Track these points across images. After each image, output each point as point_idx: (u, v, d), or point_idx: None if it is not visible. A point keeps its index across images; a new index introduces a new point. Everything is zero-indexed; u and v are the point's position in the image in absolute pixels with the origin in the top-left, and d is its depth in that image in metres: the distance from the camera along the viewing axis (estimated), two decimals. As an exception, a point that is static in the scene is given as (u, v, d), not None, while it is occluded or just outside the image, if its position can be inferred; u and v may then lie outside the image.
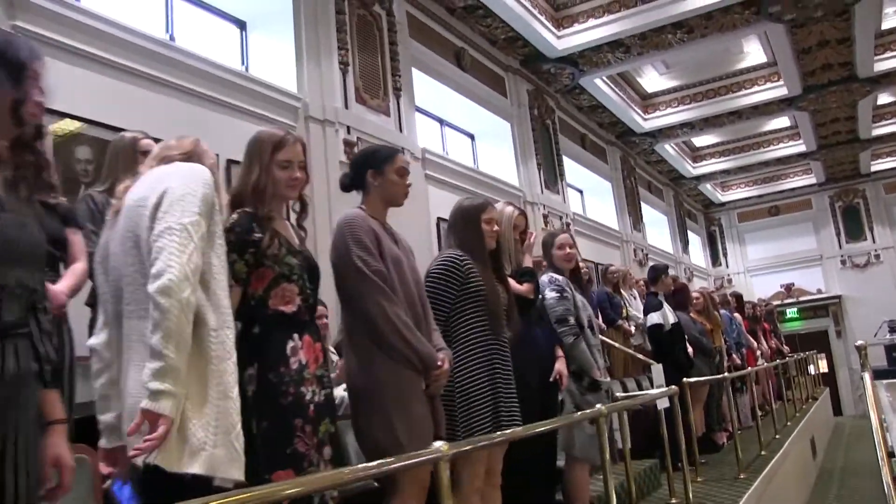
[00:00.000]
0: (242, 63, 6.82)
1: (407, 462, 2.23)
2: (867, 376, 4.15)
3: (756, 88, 13.49)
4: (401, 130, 7.76)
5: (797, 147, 17.09)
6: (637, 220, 14.78)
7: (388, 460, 2.20)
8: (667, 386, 6.80)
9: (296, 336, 2.64)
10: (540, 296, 4.34)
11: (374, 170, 3.14)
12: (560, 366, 4.04)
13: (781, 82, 13.12)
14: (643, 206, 15.69)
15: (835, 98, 13.70)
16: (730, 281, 20.87)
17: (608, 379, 4.36)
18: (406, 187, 3.20)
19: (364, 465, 2.43)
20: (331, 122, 6.82)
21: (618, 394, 4.99)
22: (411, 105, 8.20)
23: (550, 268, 4.53)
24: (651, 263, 14.65)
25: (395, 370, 2.92)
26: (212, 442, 2.10)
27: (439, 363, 3.01)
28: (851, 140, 16.75)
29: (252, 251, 2.60)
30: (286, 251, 2.69)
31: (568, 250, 4.51)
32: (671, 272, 9.10)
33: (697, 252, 20.66)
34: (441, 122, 10.03)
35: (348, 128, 6.97)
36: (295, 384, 2.57)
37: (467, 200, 3.76)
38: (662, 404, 5.38)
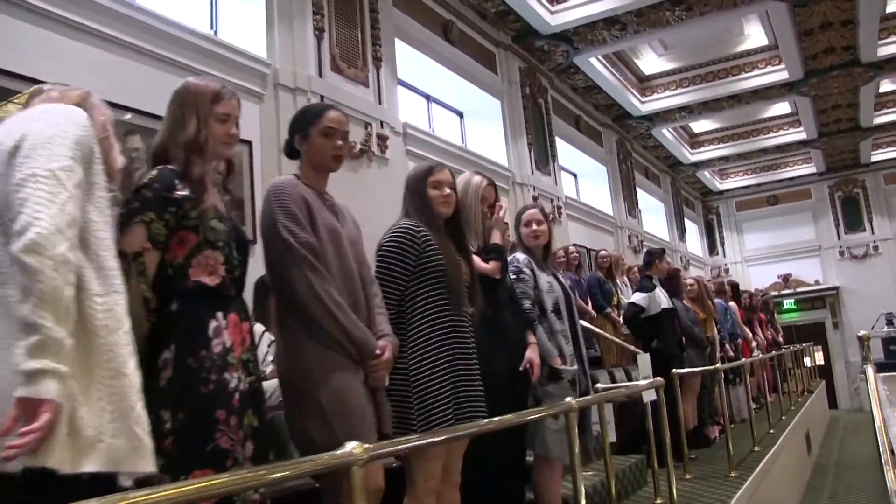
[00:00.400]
0: (211, 27, 6.41)
1: (317, 466, 1.86)
2: (870, 370, 3.79)
3: (756, 72, 13.06)
4: (380, 102, 7.36)
5: (797, 134, 16.70)
6: (632, 206, 14.40)
7: (300, 461, 1.84)
8: (655, 376, 6.56)
9: (220, 314, 2.32)
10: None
11: (299, 134, 2.87)
12: (532, 354, 3.70)
13: (782, 66, 12.71)
14: (639, 191, 15.31)
15: (837, 83, 13.30)
16: (727, 270, 20.54)
17: (574, 367, 3.96)
18: (336, 149, 2.84)
19: (276, 464, 2.05)
20: (302, 91, 6.41)
21: (598, 385, 4.61)
22: (393, 77, 7.81)
23: (519, 246, 4.17)
24: (646, 251, 14.41)
25: (327, 357, 2.58)
26: (109, 431, 1.74)
27: (378, 351, 2.66)
28: (852, 128, 16.37)
29: (173, 210, 2.29)
30: (213, 215, 2.37)
31: (535, 227, 4.14)
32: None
33: (694, 240, 20.31)
34: (428, 97, 9.63)
35: (322, 97, 6.57)
36: (218, 370, 2.26)
37: (414, 168, 3.41)
38: (649, 396, 5.03)
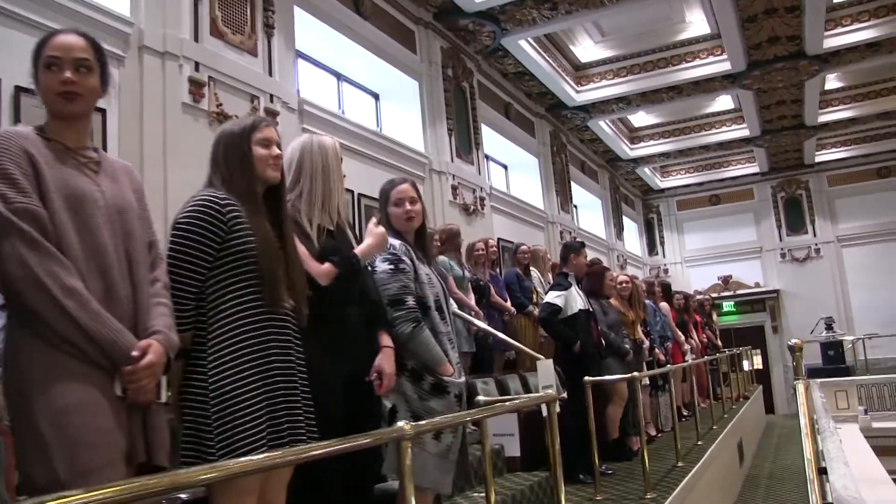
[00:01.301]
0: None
1: None
2: (800, 387, 3.09)
3: (698, 62, 12.48)
4: (270, 74, 6.53)
5: (741, 131, 16.27)
6: (566, 201, 13.72)
7: None
8: (567, 384, 5.82)
9: None
10: (370, 266, 3.20)
11: (32, 77, 2.18)
12: (383, 362, 2.88)
13: (725, 56, 12.15)
14: (574, 186, 14.69)
15: (781, 76, 12.78)
16: (666, 271, 20.14)
17: (462, 379, 3.20)
18: (61, 84, 2.08)
19: None
20: (173, 56, 5.64)
21: (480, 398, 3.82)
22: (289, 48, 7.02)
23: (388, 229, 3.36)
24: (563, 244, 13.77)
25: (53, 362, 1.91)
26: None
27: (135, 353, 1.98)
28: (797, 126, 16.00)
29: None
30: None
31: (408, 207, 3.35)
32: (604, 260, 8.16)
33: (633, 239, 19.86)
34: (338, 76, 8.78)
35: (197, 64, 5.77)
36: None
37: (230, 122, 2.65)
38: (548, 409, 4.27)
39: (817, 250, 19.31)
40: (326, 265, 2.80)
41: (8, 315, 2.01)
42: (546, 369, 4.51)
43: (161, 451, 2.09)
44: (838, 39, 11.90)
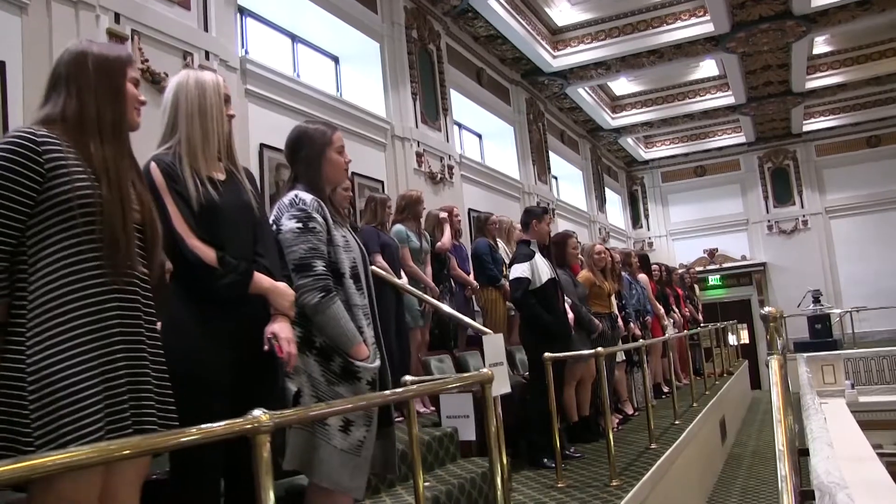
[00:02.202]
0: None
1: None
2: (774, 363, 2.64)
3: (679, 24, 11.95)
4: (206, 30, 6.00)
5: (726, 99, 15.79)
6: (543, 171, 13.20)
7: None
8: (532, 360, 5.38)
9: None
10: (274, 225, 2.78)
11: None
12: (279, 328, 2.42)
13: (708, 17, 11.62)
14: (553, 156, 14.18)
15: (766, 38, 12.26)
16: (650, 244, 19.77)
17: (376, 363, 2.71)
18: None
19: None
20: (88, 5, 5.06)
21: (407, 377, 3.33)
22: (229, 3, 6.49)
23: (302, 182, 2.88)
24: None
25: None
26: None
27: None
28: (784, 93, 15.51)
29: None
30: None
31: (340, 157, 2.97)
32: (586, 233, 7.62)
33: (616, 212, 19.45)
34: (293, 38, 8.24)
35: (117, 15, 5.22)
36: None
37: (97, 45, 2.14)
38: (499, 390, 3.81)
39: (805, 222, 18.93)
40: (211, 255, 2.36)
41: None
42: (494, 345, 4.06)
43: None
44: (826, -3, 11.38)
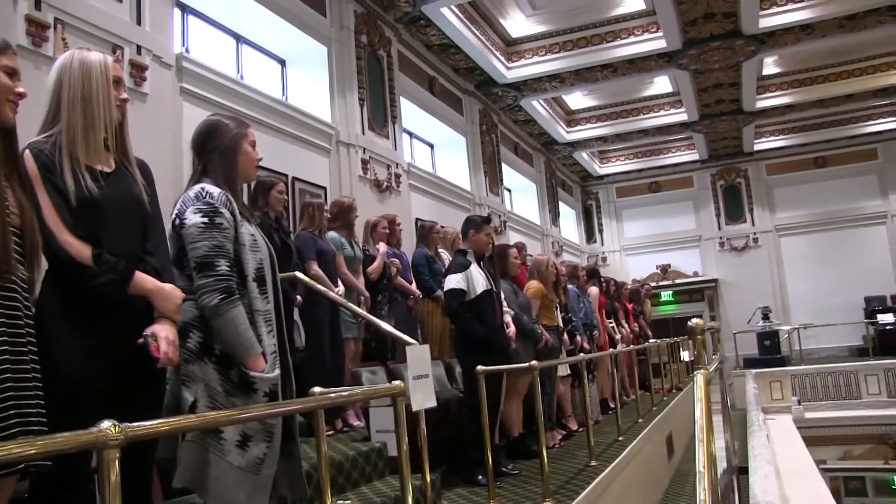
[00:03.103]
0: None
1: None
2: (699, 379, 2.51)
3: (633, 39, 11.98)
4: (139, 23, 5.77)
5: (679, 115, 15.88)
6: (496, 183, 13.09)
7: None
8: (466, 374, 5.21)
9: None
10: (177, 219, 2.58)
11: None
12: (160, 328, 2.24)
13: (660, 33, 11.67)
14: (507, 169, 14.10)
15: (717, 56, 12.37)
16: (604, 259, 19.81)
17: (275, 373, 2.51)
18: None
19: None
20: (13, -4, 4.80)
21: (316, 389, 3.14)
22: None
23: (211, 175, 2.68)
24: (513, 234, 13.18)
25: None
26: None
27: None
28: (735, 111, 15.70)
29: None
30: None
31: (253, 151, 2.79)
32: (538, 246, 7.48)
33: (570, 226, 19.42)
34: (238, 38, 8.03)
35: (38, 1, 4.96)
36: None
37: None
38: (423, 404, 3.63)
39: (755, 239, 19.15)
40: (85, 252, 2.17)
41: None
42: (418, 356, 3.87)
43: None
44: (774, 19, 11.58)
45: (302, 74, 8.62)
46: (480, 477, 5.05)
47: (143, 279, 2.25)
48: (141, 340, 2.18)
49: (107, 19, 5.45)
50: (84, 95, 2.26)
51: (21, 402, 1.82)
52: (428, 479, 3.54)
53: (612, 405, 8.84)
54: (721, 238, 19.44)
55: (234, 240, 2.55)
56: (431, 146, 12.27)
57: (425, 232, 7.32)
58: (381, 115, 9.21)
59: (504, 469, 5.33)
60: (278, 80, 8.59)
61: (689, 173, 19.89)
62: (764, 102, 15.60)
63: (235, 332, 2.43)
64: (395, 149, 9.45)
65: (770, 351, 15.31)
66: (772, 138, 18.65)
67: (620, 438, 7.01)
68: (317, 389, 3.20)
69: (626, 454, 6.45)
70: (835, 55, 14.37)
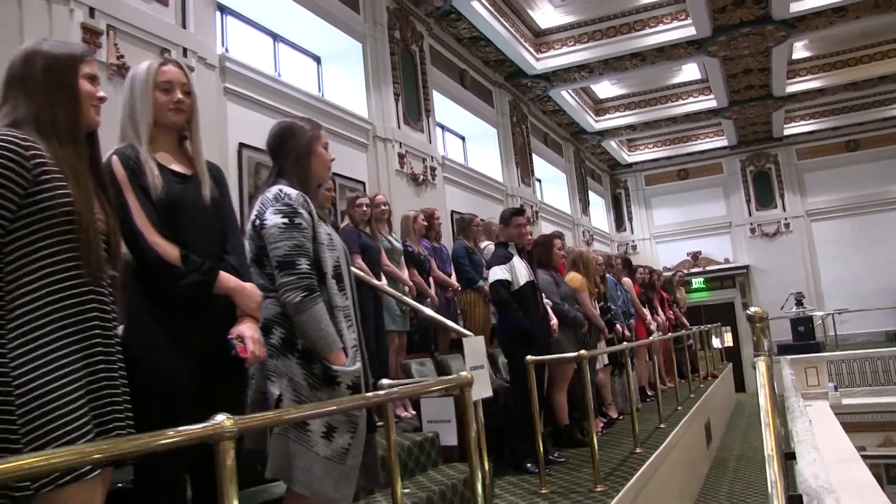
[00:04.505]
0: None
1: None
2: (761, 365, 2.57)
3: (662, 27, 11.95)
4: (185, 26, 5.90)
5: (708, 102, 15.80)
6: (527, 174, 13.15)
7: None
8: (513, 363, 5.29)
9: None
10: (257, 219, 2.70)
11: None
12: (245, 328, 2.34)
13: (689, 21, 11.62)
14: (537, 159, 14.13)
15: (747, 43, 12.30)
16: (634, 247, 19.77)
17: (356, 366, 2.61)
18: None
19: None
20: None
21: (383, 381, 3.24)
22: (208, 0, 6.34)
23: (286, 177, 2.78)
24: (544, 224, 13.23)
25: None
26: None
27: None
28: (764, 96, 15.56)
29: None
30: None
31: (326, 153, 2.90)
32: (569, 236, 7.54)
33: (600, 215, 19.42)
34: (275, 37, 8.14)
35: (91, 10, 5.11)
36: None
37: (48, 43, 2.08)
38: (480, 393, 3.73)
39: (787, 225, 18.99)
40: (173, 252, 2.26)
41: None
42: (475, 347, 3.97)
43: None
44: (805, 3, 11.45)
45: (338, 71, 8.72)
46: (529, 465, 5.15)
47: (227, 278, 2.34)
48: (233, 351, 2.28)
49: (154, 23, 5.60)
50: (132, 109, 2.37)
51: (115, 399, 1.91)
52: (486, 466, 3.63)
53: (649, 393, 8.91)
54: (752, 224, 19.30)
55: (312, 239, 2.65)
56: (463, 138, 12.34)
57: (465, 224, 7.41)
58: (415, 110, 9.29)
59: (550, 457, 5.41)
60: (314, 78, 8.69)
61: (718, 160, 19.75)
62: (794, 87, 15.46)
63: (317, 327, 2.54)
64: (430, 142, 9.53)
65: (804, 337, 15.23)
66: (802, 123, 18.46)
67: (662, 426, 7.09)
68: (385, 382, 3.32)
69: (669, 441, 6.54)
70: (867, 36, 14.18)
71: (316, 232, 2.69)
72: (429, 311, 5.27)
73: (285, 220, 2.61)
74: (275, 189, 2.71)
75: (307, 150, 2.81)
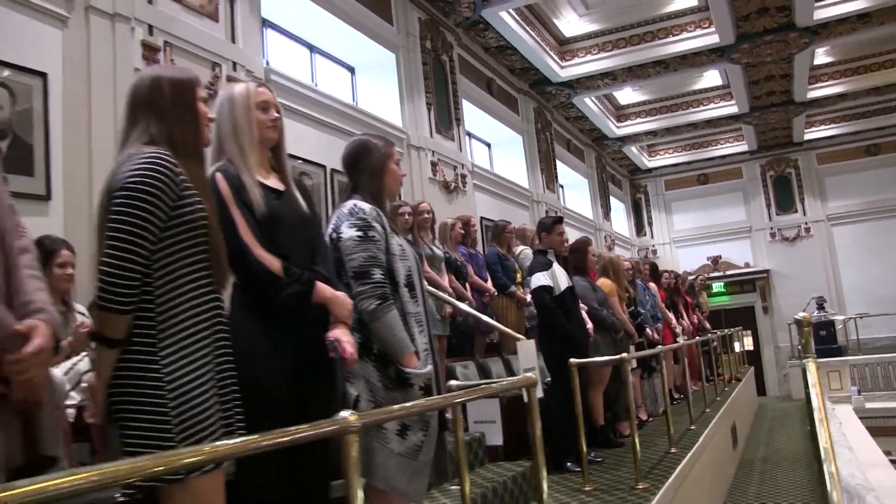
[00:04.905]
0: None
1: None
2: (811, 365, 2.74)
3: (685, 35, 12.11)
4: (234, 41, 6.13)
5: (729, 108, 15.94)
6: (551, 180, 13.34)
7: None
8: (554, 366, 5.46)
9: None
10: (333, 232, 2.88)
11: None
12: (341, 333, 2.48)
13: (713, 28, 11.77)
14: (560, 165, 14.30)
15: (770, 50, 12.42)
16: (654, 251, 19.89)
17: (428, 368, 2.80)
18: None
19: None
20: (124, 17, 5.21)
21: (452, 382, 3.44)
22: (254, 15, 6.61)
23: (360, 192, 2.98)
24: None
25: None
26: None
27: (21, 328, 1.66)
28: (785, 102, 15.66)
29: None
30: None
31: (396, 168, 3.06)
32: (591, 241, 7.71)
33: (621, 220, 19.55)
34: (311, 48, 8.36)
35: (150, 27, 5.34)
36: None
37: (169, 69, 2.32)
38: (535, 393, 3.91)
39: (807, 229, 19.06)
40: (276, 264, 2.42)
41: None
42: (528, 350, 4.17)
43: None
44: (829, 10, 11.55)
45: (371, 80, 8.93)
46: (569, 464, 5.32)
47: (323, 288, 2.49)
48: (331, 353, 2.43)
49: (206, 39, 5.83)
50: (235, 127, 2.51)
51: (235, 398, 2.10)
52: (541, 461, 3.80)
53: (676, 396, 9.06)
54: (772, 228, 19.38)
55: (385, 250, 2.84)
56: (489, 145, 12.53)
57: (498, 231, 7.60)
58: (446, 118, 9.49)
59: (588, 457, 5.58)
60: (348, 87, 8.90)
61: (738, 164, 19.84)
62: (815, 92, 15.54)
63: (391, 333, 2.72)
64: (460, 150, 9.74)
65: (826, 341, 15.31)
66: (822, 127, 18.53)
67: (692, 427, 7.24)
68: (454, 383, 3.51)
69: (702, 441, 6.69)
70: (889, 41, 14.23)
71: (389, 243, 2.87)
72: (487, 319, 5.47)
73: (360, 234, 2.79)
74: (349, 204, 2.90)
75: (381, 166, 3.00)
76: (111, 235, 1.92)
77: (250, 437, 1.68)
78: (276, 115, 2.60)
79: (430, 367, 2.83)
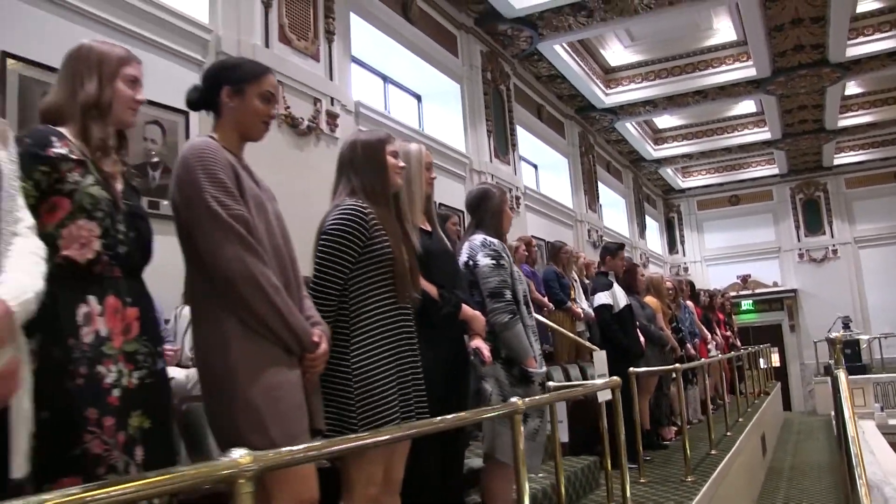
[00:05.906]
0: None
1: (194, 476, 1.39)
2: (842, 376, 3.47)
3: (724, 67, 12.84)
4: (331, 79, 6.94)
5: (762, 134, 16.59)
6: (593, 200, 14.12)
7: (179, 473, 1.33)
8: (612, 375, 6.22)
9: (92, 298, 1.99)
10: (469, 260, 3.65)
11: (231, 87, 2.39)
12: (480, 343, 3.27)
13: (750, 62, 12.50)
14: (600, 186, 15.04)
15: (804, 83, 13.12)
16: (686, 269, 20.47)
17: (543, 369, 3.62)
18: (268, 117, 2.44)
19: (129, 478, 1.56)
20: (252, 63, 5.97)
21: (550, 383, 4.25)
22: (346, 53, 7.39)
23: (483, 228, 3.78)
24: (603, 245, 14.11)
25: (261, 349, 2.20)
26: None
27: (316, 339, 2.32)
28: (817, 130, 16.27)
29: (45, 171, 1.97)
30: (94, 181, 2.04)
31: (508, 210, 3.86)
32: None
33: (654, 238, 20.17)
34: (384, 78, 9.20)
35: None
36: (88, 362, 1.94)
37: (364, 133, 2.98)
38: (603, 396, 4.69)
39: (835, 251, 19.59)
40: (435, 291, 3.08)
41: (207, 307, 2.25)
42: (601, 360, 4.94)
43: (318, 417, 2.45)
44: (860, 49, 12.23)
45: (437, 108, 9.74)
46: (622, 462, 6.07)
47: (466, 309, 3.24)
48: (473, 357, 3.24)
49: (310, 77, 6.59)
50: (409, 182, 3.06)
51: (418, 389, 2.73)
52: (624, 457, 4.56)
53: (711, 406, 9.74)
54: (800, 249, 19.97)
55: (510, 275, 3.65)
56: (536, 167, 13.30)
57: (555, 251, 8.35)
58: (504, 144, 10.29)
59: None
60: (414, 114, 9.73)
61: (769, 187, 20.46)
62: (846, 121, 16.21)
63: (519, 340, 3.52)
64: (515, 174, 10.53)
65: (851, 359, 15.75)
66: (851, 153, 19.12)
67: (728, 433, 7.96)
68: (552, 384, 4.31)
69: (738, 446, 7.41)
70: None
71: (512, 271, 3.68)
72: (559, 328, 6.24)
73: (493, 262, 3.59)
74: (480, 237, 3.70)
75: (499, 209, 3.82)
76: (316, 267, 2.63)
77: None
78: (435, 175, 3.35)
79: (545, 368, 3.64)
